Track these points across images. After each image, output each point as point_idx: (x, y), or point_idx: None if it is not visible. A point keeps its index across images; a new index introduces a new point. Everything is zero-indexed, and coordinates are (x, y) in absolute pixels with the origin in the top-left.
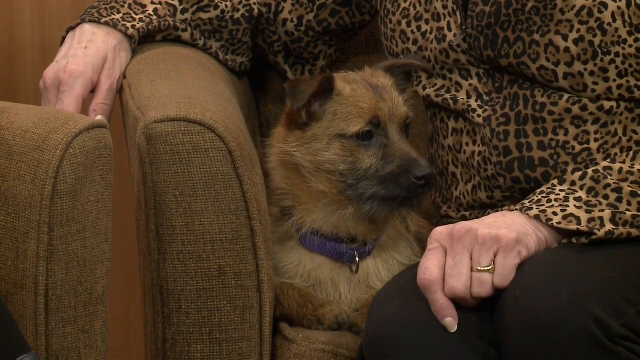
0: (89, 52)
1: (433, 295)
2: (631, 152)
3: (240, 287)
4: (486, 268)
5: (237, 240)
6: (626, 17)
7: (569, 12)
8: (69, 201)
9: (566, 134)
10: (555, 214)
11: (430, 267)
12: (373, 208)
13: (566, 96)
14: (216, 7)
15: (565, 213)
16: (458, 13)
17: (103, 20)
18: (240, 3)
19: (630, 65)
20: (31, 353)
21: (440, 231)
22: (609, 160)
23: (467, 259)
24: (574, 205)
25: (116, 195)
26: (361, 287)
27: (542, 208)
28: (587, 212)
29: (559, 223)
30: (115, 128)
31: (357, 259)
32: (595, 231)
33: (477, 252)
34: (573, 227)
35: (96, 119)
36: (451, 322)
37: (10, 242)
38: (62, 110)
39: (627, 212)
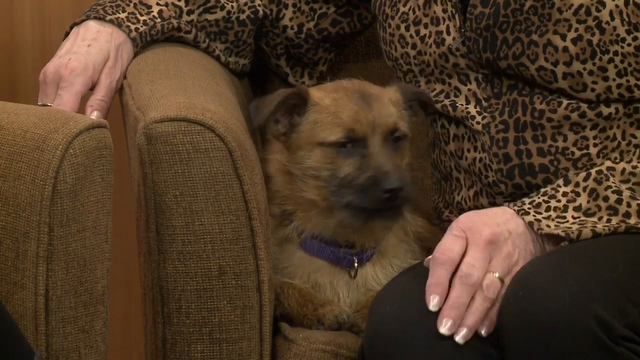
0: (91, 50)
1: (439, 270)
2: (637, 151)
3: (240, 287)
4: (499, 276)
5: (237, 240)
6: (624, 16)
7: (566, 11)
8: (69, 201)
9: (565, 140)
10: (548, 226)
11: (453, 248)
12: (349, 217)
13: (565, 103)
14: (222, 8)
15: (557, 231)
16: (457, 16)
17: (108, 18)
18: (245, 4)
19: (630, 64)
20: (36, 355)
21: (469, 226)
22: (613, 159)
23: (487, 262)
24: (571, 216)
25: (116, 195)
26: (359, 292)
27: (538, 218)
28: (579, 227)
29: (548, 232)
30: (115, 128)
31: (356, 265)
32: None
33: (497, 260)
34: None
35: (92, 115)
36: (439, 301)
37: (10, 242)
38: (62, 110)
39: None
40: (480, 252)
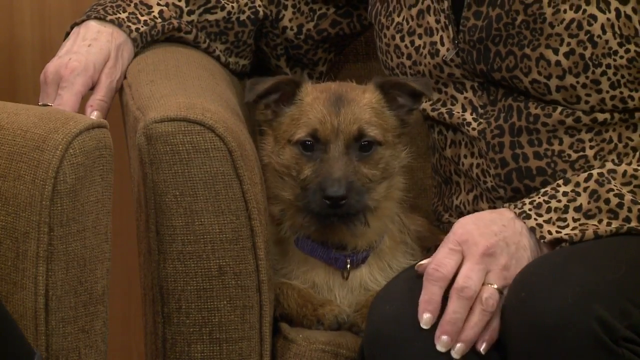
0: (91, 49)
1: (432, 287)
2: (638, 153)
3: (240, 287)
4: (498, 288)
5: (237, 240)
6: (616, 29)
7: (558, 25)
8: (69, 201)
9: (561, 143)
10: (550, 233)
11: (447, 264)
12: (304, 218)
13: (559, 108)
14: (222, 8)
15: (559, 236)
16: (450, 27)
17: (108, 18)
18: (245, 5)
19: (623, 76)
20: (36, 354)
21: (465, 239)
22: (611, 161)
23: (484, 274)
24: (572, 218)
25: (116, 195)
26: (355, 293)
27: (540, 222)
28: (581, 231)
29: (550, 239)
30: (115, 128)
31: (348, 266)
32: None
33: (494, 272)
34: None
35: (92, 115)
36: (431, 319)
37: (10, 242)
38: (62, 110)
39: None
40: (477, 264)
